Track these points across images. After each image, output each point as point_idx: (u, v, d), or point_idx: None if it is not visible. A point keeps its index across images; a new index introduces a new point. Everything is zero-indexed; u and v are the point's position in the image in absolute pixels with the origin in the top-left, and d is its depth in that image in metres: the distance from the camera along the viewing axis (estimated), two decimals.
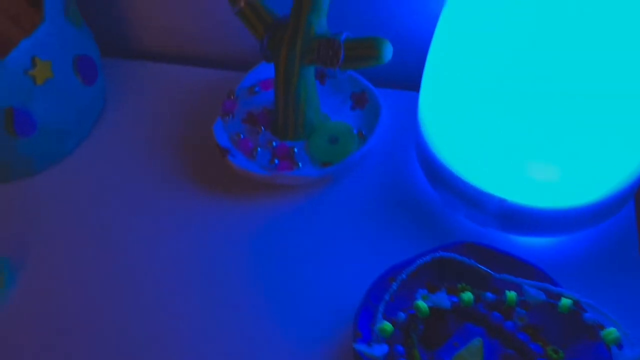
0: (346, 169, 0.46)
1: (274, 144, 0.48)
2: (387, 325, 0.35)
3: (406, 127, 0.49)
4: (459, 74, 0.37)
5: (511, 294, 0.36)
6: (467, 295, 0.36)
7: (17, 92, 0.44)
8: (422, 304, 0.36)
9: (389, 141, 0.49)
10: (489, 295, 0.36)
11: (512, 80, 0.34)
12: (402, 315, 0.36)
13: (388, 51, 0.40)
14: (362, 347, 0.34)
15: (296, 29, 0.42)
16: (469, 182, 0.39)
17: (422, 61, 0.47)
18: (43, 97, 0.45)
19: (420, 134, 0.43)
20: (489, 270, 0.37)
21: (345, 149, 0.47)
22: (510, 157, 0.36)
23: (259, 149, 0.47)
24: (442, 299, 0.36)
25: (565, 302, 0.35)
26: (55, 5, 0.45)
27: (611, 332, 0.34)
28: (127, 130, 0.52)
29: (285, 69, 0.44)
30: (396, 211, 0.45)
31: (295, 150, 0.47)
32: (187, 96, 0.53)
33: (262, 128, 0.49)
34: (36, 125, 0.45)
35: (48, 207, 0.47)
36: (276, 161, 0.47)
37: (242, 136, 0.48)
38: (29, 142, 0.46)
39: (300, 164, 0.46)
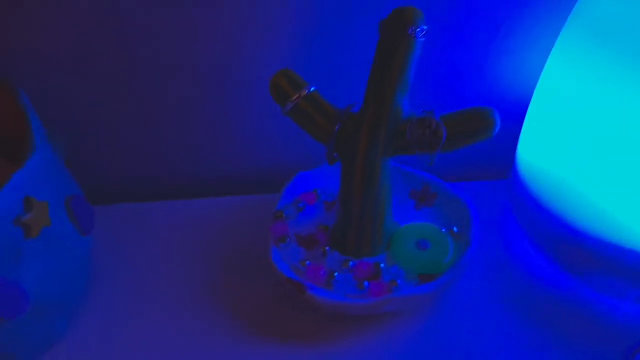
0: (457, 276, 0.36)
1: (351, 264, 0.37)
2: None
3: (497, 215, 0.42)
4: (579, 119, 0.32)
5: None
6: None
7: (1, 254, 0.29)
8: None
9: (484, 234, 0.41)
10: None
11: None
12: None
13: (498, 120, 0.34)
14: None
15: (379, 111, 0.34)
16: (629, 248, 0.32)
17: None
18: (37, 256, 0.31)
19: (542, 218, 0.36)
20: None
21: (441, 252, 0.38)
22: None
23: (336, 274, 0.36)
24: None
25: None
26: (40, 132, 0.33)
27: None
28: (140, 284, 0.38)
29: (365, 164, 0.35)
30: (532, 312, 0.36)
31: (382, 266, 0.37)
32: (214, 231, 0.42)
33: (327, 248, 0.38)
34: (28, 299, 0.31)
35: None
36: (365, 284, 0.36)
37: (308, 263, 0.37)
38: (14, 327, 0.31)
39: (398, 282, 0.36)
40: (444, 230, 0.39)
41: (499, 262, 0.39)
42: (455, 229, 0.39)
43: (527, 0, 0.40)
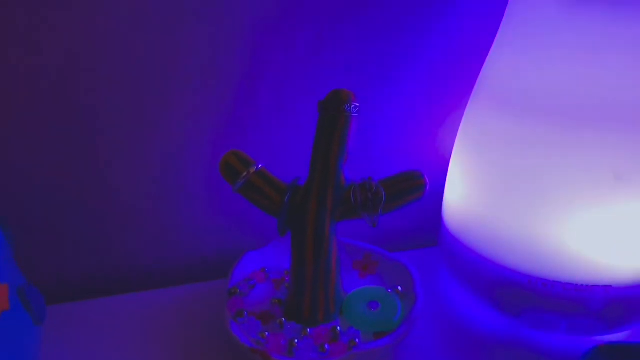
0: (410, 326, 0.39)
1: (309, 331, 0.38)
2: None
3: (433, 275, 0.46)
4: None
5: None
6: None
7: None
8: None
9: (425, 291, 0.44)
10: None
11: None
12: None
13: (427, 179, 0.38)
14: None
15: (324, 180, 0.38)
16: (568, 282, 0.36)
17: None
18: None
19: (474, 266, 0.40)
20: None
21: (391, 309, 0.40)
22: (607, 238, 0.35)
23: (296, 341, 0.37)
24: None
25: None
26: None
27: None
28: None
29: (315, 231, 0.38)
30: (480, 357, 0.38)
31: (339, 329, 0.38)
32: (161, 322, 0.41)
33: (283, 320, 0.39)
34: None
35: None
36: (326, 346, 0.37)
37: (267, 334, 0.38)
38: None
39: (357, 340, 0.37)
40: (389, 290, 0.41)
41: (443, 315, 0.42)
42: (400, 288, 0.42)
43: (436, 81, 0.47)
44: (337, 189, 0.38)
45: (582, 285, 0.36)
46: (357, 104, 0.38)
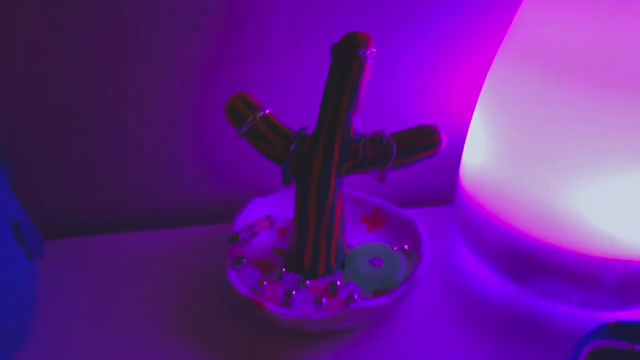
0: (411, 288, 0.37)
1: (308, 283, 0.38)
2: None
3: (444, 235, 0.44)
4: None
5: None
6: None
7: None
8: None
9: (433, 252, 0.42)
10: None
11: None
12: None
13: (444, 136, 0.36)
14: None
15: (333, 131, 0.36)
16: (583, 253, 0.34)
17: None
18: None
19: (485, 226, 0.38)
20: None
21: (395, 268, 0.39)
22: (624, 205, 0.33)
23: (293, 292, 0.36)
24: None
25: None
26: None
27: None
28: (86, 317, 0.36)
29: (320, 183, 0.36)
30: (483, 323, 0.37)
31: (338, 283, 0.37)
32: (165, 263, 0.41)
33: (284, 270, 0.38)
34: None
35: None
36: (323, 300, 0.36)
37: (265, 283, 0.37)
38: None
39: (355, 296, 0.36)
40: (395, 249, 0.40)
41: (449, 277, 0.41)
42: (406, 246, 0.40)
43: (463, 31, 0.44)
44: (346, 141, 0.36)
45: (598, 257, 0.34)
46: (374, 50, 0.36)
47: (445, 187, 0.50)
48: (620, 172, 0.32)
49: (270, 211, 0.43)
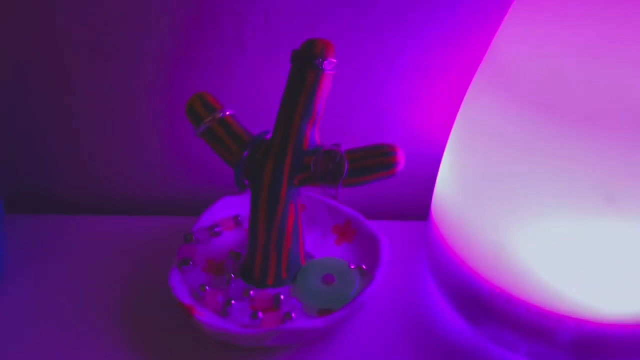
0: (352, 313, 0.36)
1: (251, 293, 0.37)
2: None
3: (413, 257, 0.41)
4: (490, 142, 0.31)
5: None
6: None
7: None
8: None
9: (395, 274, 0.40)
10: None
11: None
12: None
13: (402, 158, 0.33)
14: None
15: (285, 141, 0.35)
16: (534, 305, 0.31)
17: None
18: None
19: (444, 259, 0.35)
20: None
21: (346, 288, 0.37)
22: (584, 262, 0.29)
23: (232, 302, 0.36)
24: None
25: None
26: None
27: None
28: (44, 294, 0.38)
29: (269, 193, 0.35)
30: (429, 357, 0.35)
31: (282, 297, 0.36)
32: (126, 250, 0.42)
33: (232, 276, 0.38)
34: None
35: None
36: (259, 315, 0.35)
37: (207, 288, 0.36)
38: None
39: (293, 315, 0.35)
40: (353, 267, 0.38)
41: (405, 304, 0.38)
42: (364, 266, 0.38)
43: (448, 46, 0.40)
44: (298, 152, 0.35)
45: (548, 311, 0.30)
46: (334, 60, 0.33)
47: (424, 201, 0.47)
48: (581, 228, 0.28)
49: (239, 211, 0.43)
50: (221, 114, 0.36)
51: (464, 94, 0.41)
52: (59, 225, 0.44)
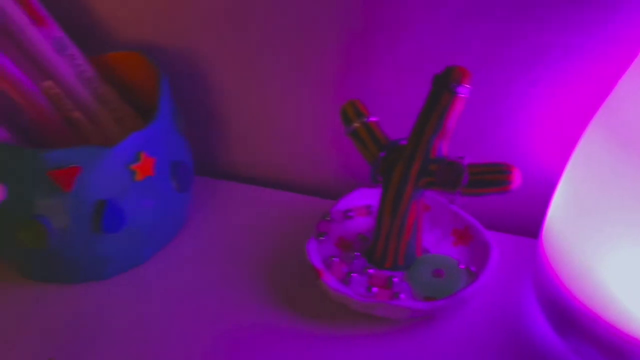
0: (453, 305, 0.41)
1: (370, 271, 0.44)
2: None
3: (519, 268, 0.45)
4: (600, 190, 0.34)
5: None
6: None
7: (113, 184, 0.42)
8: None
9: (500, 281, 0.44)
10: None
11: None
12: None
13: (517, 178, 0.38)
14: None
15: (415, 149, 0.41)
16: (622, 330, 0.34)
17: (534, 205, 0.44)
18: (137, 195, 0.43)
19: (547, 273, 0.39)
20: None
21: (452, 283, 0.42)
22: None
23: (353, 274, 0.43)
24: None
25: None
26: (166, 107, 0.45)
27: None
28: (207, 247, 0.48)
29: (396, 191, 0.42)
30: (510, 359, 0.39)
31: (395, 280, 0.43)
32: (274, 219, 0.51)
33: (357, 254, 0.45)
34: (125, 223, 0.43)
35: (110, 318, 0.42)
36: (374, 290, 0.42)
37: (335, 259, 0.44)
38: (111, 241, 0.43)
39: (401, 296, 0.42)
40: (463, 267, 0.43)
41: (500, 307, 0.42)
42: (473, 268, 0.43)
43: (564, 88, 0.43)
44: (425, 160, 0.41)
45: (628, 334, 0.33)
46: (469, 86, 0.39)
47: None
48: None
49: (372, 202, 0.50)
50: (367, 119, 0.43)
51: (587, 123, 0.44)
52: (224, 190, 0.54)
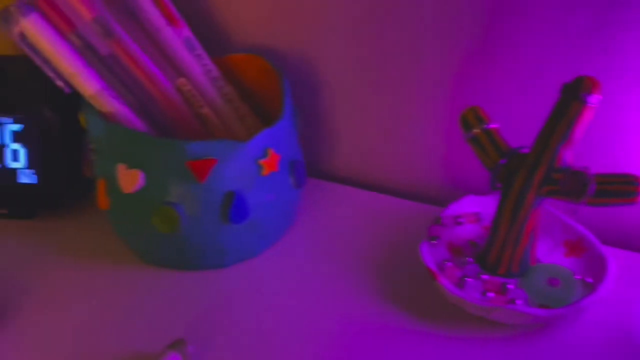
0: (570, 314, 0.41)
1: (483, 276, 0.44)
2: None
3: (635, 284, 0.45)
4: None
5: None
6: None
7: (242, 177, 0.44)
8: None
9: (617, 295, 0.44)
10: None
11: None
12: None
13: None
14: None
15: (539, 157, 0.41)
16: None
17: None
18: (261, 189, 0.45)
19: None
20: None
21: (567, 293, 0.42)
22: None
23: (466, 279, 0.44)
24: None
25: None
26: (289, 108, 0.47)
27: None
28: (317, 245, 0.50)
29: (517, 198, 0.42)
30: None
31: (509, 286, 0.43)
32: (380, 222, 0.52)
33: (469, 259, 0.46)
34: (249, 214, 0.45)
35: (229, 305, 0.44)
36: (489, 294, 0.43)
37: (448, 263, 0.45)
38: (234, 232, 0.45)
39: (517, 302, 0.42)
40: (578, 277, 0.43)
41: (620, 327, 0.42)
42: (590, 280, 0.43)
43: None
44: (549, 168, 0.41)
45: None
46: (599, 96, 0.39)
47: None
48: None
49: (481, 209, 0.50)
50: (488, 126, 0.44)
51: None
52: (329, 191, 0.56)
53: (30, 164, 0.51)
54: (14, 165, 0.51)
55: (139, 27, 0.47)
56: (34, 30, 0.41)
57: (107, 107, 0.44)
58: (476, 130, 0.44)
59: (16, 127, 0.51)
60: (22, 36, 0.41)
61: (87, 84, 0.43)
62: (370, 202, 0.55)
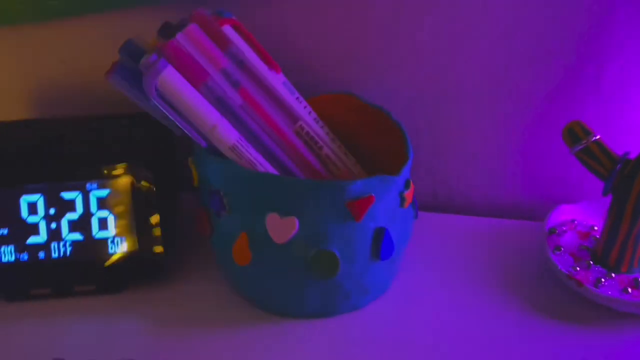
0: None
1: (613, 275, 0.47)
2: None
3: None
4: None
5: None
6: None
7: (388, 211, 0.44)
8: None
9: None
10: None
11: None
12: None
13: None
14: None
15: None
16: None
17: None
18: (401, 222, 0.45)
19: None
20: None
21: None
22: None
23: (602, 280, 0.47)
24: None
25: None
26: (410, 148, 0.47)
27: None
28: (439, 271, 0.50)
29: (637, 199, 0.46)
30: None
31: None
32: (491, 244, 0.53)
33: (591, 262, 0.49)
34: (394, 249, 0.44)
35: (373, 349, 0.43)
36: (630, 290, 0.46)
37: (578, 269, 0.48)
38: (378, 270, 0.45)
39: None
40: None
41: None
42: None
43: None
44: None
45: None
46: None
47: None
48: None
49: (574, 216, 0.54)
50: (595, 136, 0.48)
51: None
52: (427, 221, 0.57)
53: (120, 232, 0.47)
54: (102, 235, 0.47)
55: (247, 75, 0.46)
56: (171, 83, 0.39)
57: (245, 157, 0.42)
58: (586, 142, 0.48)
59: (103, 192, 0.47)
60: (157, 91, 0.39)
61: (226, 136, 0.41)
62: (470, 226, 0.56)
